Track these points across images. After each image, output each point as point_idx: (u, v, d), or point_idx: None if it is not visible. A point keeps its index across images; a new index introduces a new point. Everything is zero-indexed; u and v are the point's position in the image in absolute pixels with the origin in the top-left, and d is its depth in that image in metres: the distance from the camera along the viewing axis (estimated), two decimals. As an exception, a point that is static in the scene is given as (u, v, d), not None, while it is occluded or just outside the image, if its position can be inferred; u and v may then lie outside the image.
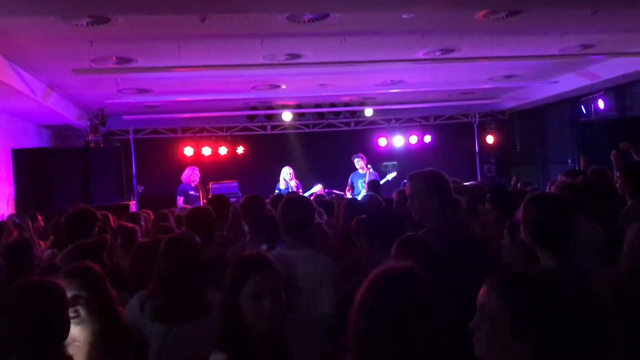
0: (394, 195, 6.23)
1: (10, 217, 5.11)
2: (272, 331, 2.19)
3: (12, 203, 8.91)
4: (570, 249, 2.56)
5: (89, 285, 2.57)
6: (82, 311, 2.50)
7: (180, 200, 10.20)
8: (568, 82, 10.60)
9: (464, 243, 3.05)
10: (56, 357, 2.20)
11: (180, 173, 10.76)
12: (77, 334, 2.47)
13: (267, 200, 5.68)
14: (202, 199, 10.35)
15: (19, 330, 2.13)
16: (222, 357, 2.09)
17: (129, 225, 4.96)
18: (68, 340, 2.30)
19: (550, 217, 2.55)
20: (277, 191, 10.34)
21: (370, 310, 1.75)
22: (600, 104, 10.91)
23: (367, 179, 10.41)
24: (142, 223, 5.75)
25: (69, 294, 2.37)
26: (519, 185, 8.31)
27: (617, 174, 4.74)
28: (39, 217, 6.23)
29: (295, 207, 3.45)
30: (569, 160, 11.90)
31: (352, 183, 10.82)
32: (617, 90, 10.60)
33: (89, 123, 10.60)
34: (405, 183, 10.25)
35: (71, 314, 2.38)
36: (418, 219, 3.21)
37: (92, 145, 10.42)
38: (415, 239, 2.93)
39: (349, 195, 10.34)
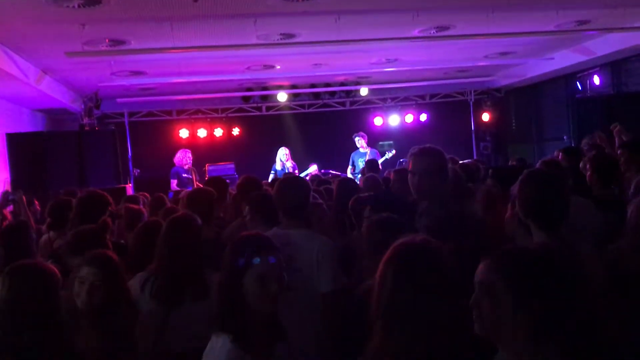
0: (391, 174, 6.20)
1: (4, 193, 5.02)
2: (273, 311, 2.19)
3: (7, 188, 8.89)
4: (564, 228, 2.54)
5: (107, 274, 2.63)
6: (96, 297, 2.55)
7: (173, 183, 10.22)
8: (564, 59, 10.57)
9: (465, 219, 3.06)
10: (53, 338, 2.22)
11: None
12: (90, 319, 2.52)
13: (264, 182, 5.68)
14: (195, 182, 10.36)
15: (15, 313, 2.16)
16: (224, 338, 2.09)
17: (135, 207, 4.98)
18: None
19: (545, 194, 2.52)
20: (273, 172, 10.36)
21: (392, 282, 1.77)
22: (596, 80, 10.89)
23: (367, 157, 10.42)
24: (141, 206, 5.76)
25: (87, 280, 2.41)
26: (511, 162, 8.32)
27: (620, 151, 4.72)
28: (36, 202, 6.21)
29: (291, 188, 3.47)
30: (565, 137, 11.92)
31: (353, 162, 10.83)
32: (613, 66, 10.57)
33: (83, 106, 10.54)
34: (402, 162, 10.27)
35: (84, 298, 2.43)
36: (418, 195, 3.14)
37: (87, 128, 10.37)
38: (390, 219, 2.95)
39: (349, 175, 10.37)
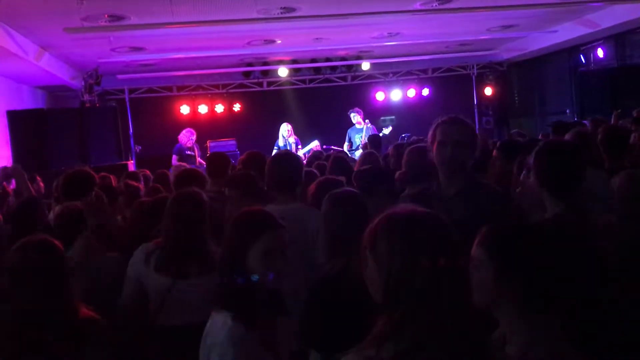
0: (390, 150, 6.14)
1: (3, 169, 4.98)
2: (277, 287, 2.19)
3: (8, 164, 8.90)
4: (578, 197, 2.58)
5: None
6: None
7: (174, 159, 10.26)
8: (567, 31, 10.46)
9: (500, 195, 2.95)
10: (62, 311, 2.26)
11: (178, 132, 10.78)
12: None
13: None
14: (198, 158, 10.39)
15: (23, 287, 2.20)
16: (225, 315, 2.08)
17: (134, 184, 4.98)
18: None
19: (560, 162, 2.58)
20: (276, 148, 10.34)
21: (391, 254, 1.56)
22: (600, 52, 10.80)
23: (364, 133, 10.39)
24: (142, 182, 5.77)
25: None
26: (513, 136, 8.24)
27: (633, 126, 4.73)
28: (39, 179, 6.21)
29: (282, 163, 3.49)
30: (567, 111, 11.86)
31: (349, 138, 10.80)
32: (617, 38, 10.47)
33: (83, 83, 10.49)
34: (404, 137, 10.23)
35: None
36: (447, 168, 2.81)
37: (87, 105, 10.34)
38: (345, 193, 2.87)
39: (346, 151, 10.34)
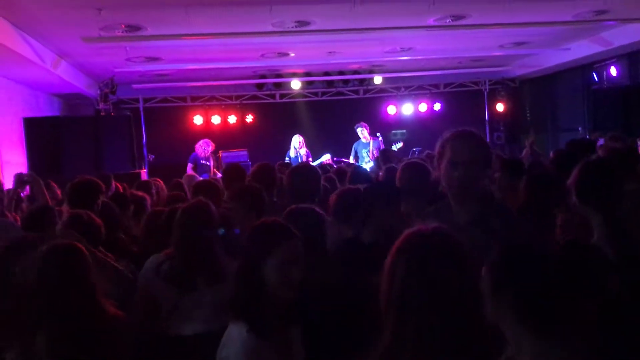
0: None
1: (18, 175, 5.03)
2: (293, 298, 2.19)
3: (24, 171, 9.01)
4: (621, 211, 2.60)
5: None
6: None
7: (189, 167, 10.35)
8: (580, 49, 10.47)
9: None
10: (88, 314, 2.32)
11: (190, 141, 10.90)
12: None
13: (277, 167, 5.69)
14: (213, 168, 10.47)
15: (48, 291, 2.27)
16: (241, 326, 2.08)
17: (139, 194, 5.01)
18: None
19: (599, 179, 2.61)
20: (287, 159, 10.40)
21: (402, 274, 1.70)
22: (613, 71, 10.78)
23: (371, 147, 10.40)
24: (153, 191, 5.80)
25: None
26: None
27: None
28: (54, 185, 6.28)
29: (301, 175, 3.52)
30: (579, 128, 11.82)
31: (356, 152, 10.81)
32: (631, 57, 10.45)
33: (99, 92, 10.62)
34: (415, 151, 10.22)
35: None
36: (459, 191, 2.53)
37: (102, 113, 10.46)
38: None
39: None
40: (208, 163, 10.55)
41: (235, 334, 2.11)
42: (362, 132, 10.74)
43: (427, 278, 1.66)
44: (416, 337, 1.64)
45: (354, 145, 10.88)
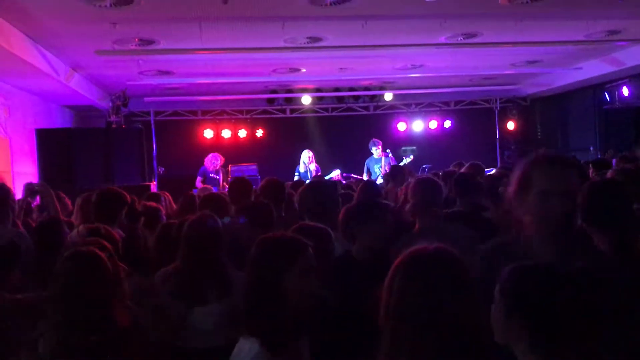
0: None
1: (27, 185, 5.03)
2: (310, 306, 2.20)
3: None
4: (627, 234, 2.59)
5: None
6: None
7: (198, 180, 10.38)
8: (592, 69, 10.44)
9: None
10: (106, 316, 2.38)
11: (201, 155, 10.93)
12: None
13: (287, 183, 5.69)
14: (222, 182, 10.49)
15: (71, 295, 2.35)
16: (252, 341, 2.06)
17: (153, 204, 5.02)
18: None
19: (603, 200, 2.62)
20: (296, 174, 10.40)
21: (401, 291, 1.75)
22: (625, 91, 10.74)
23: (383, 163, 10.39)
24: (163, 204, 5.81)
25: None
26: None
27: None
28: (63, 196, 6.30)
29: (314, 191, 3.51)
30: (591, 148, 11.77)
31: (368, 168, 10.81)
32: (643, 77, 10.43)
33: (111, 104, 10.69)
34: (425, 168, 10.20)
35: None
36: (559, 228, 2.11)
37: (114, 126, 10.51)
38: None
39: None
40: (217, 177, 10.59)
41: (246, 349, 2.08)
42: (376, 150, 10.76)
43: (423, 294, 1.71)
44: (410, 349, 1.69)
45: (367, 162, 10.88)
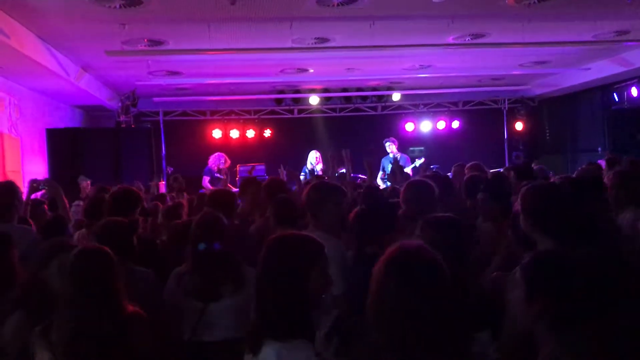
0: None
1: (32, 181, 5.07)
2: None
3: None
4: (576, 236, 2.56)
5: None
6: None
7: (206, 179, 10.40)
8: (601, 69, 10.41)
9: None
10: (115, 313, 2.44)
11: (209, 155, 10.93)
12: None
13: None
14: (227, 182, 10.50)
15: (81, 291, 2.41)
16: (280, 345, 1.98)
17: (176, 201, 5.11)
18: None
19: (548, 205, 2.62)
20: (303, 174, 10.42)
21: (386, 288, 1.82)
22: (634, 91, 10.69)
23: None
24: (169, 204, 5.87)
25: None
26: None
27: None
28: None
29: (317, 192, 3.54)
30: (599, 149, 11.73)
31: (383, 167, 10.83)
32: (652, 77, 10.38)
33: (120, 104, 10.77)
34: (434, 168, 10.20)
35: None
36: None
37: (123, 126, 10.59)
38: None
39: (379, 181, 10.33)
40: (221, 177, 10.58)
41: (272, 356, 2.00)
42: (390, 147, 10.79)
43: (404, 288, 1.79)
44: (393, 339, 1.78)
45: (382, 160, 10.92)
